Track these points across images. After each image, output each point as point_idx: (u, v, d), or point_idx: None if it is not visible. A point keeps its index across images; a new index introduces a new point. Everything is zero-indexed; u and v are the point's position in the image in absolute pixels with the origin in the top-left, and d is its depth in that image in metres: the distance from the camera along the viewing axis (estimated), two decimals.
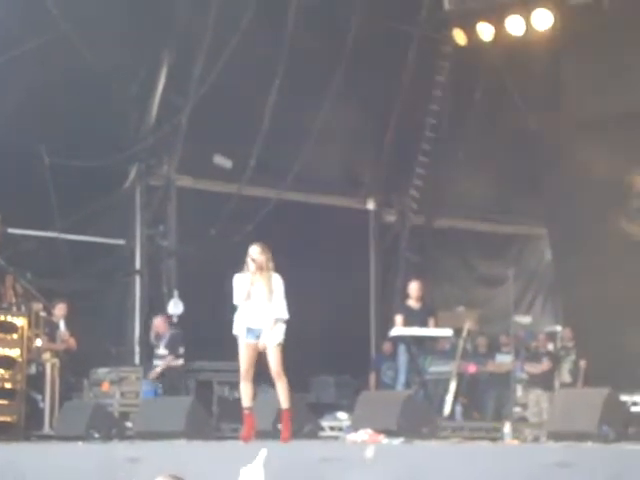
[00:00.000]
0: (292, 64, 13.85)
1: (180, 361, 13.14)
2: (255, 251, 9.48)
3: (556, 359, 14.52)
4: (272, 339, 9.35)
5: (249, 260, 9.40)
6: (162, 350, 13.15)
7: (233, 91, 13.81)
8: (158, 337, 13.25)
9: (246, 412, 9.59)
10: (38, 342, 12.38)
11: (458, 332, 13.73)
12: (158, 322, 13.29)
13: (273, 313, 9.36)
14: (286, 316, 9.48)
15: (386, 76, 15.57)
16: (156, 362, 13.08)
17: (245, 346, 9.42)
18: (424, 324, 12.99)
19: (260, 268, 9.36)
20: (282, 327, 9.45)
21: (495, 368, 14.28)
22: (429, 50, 15.81)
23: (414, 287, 13.27)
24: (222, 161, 14.64)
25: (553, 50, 15.13)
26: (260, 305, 9.36)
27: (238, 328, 9.48)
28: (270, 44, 13.81)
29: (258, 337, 9.36)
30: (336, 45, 14.33)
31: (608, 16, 14.43)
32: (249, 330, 9.40)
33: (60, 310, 12.81)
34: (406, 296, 13.49)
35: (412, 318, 13.04)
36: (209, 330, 13.77)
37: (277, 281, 9.45)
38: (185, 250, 14.34)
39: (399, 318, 13.11)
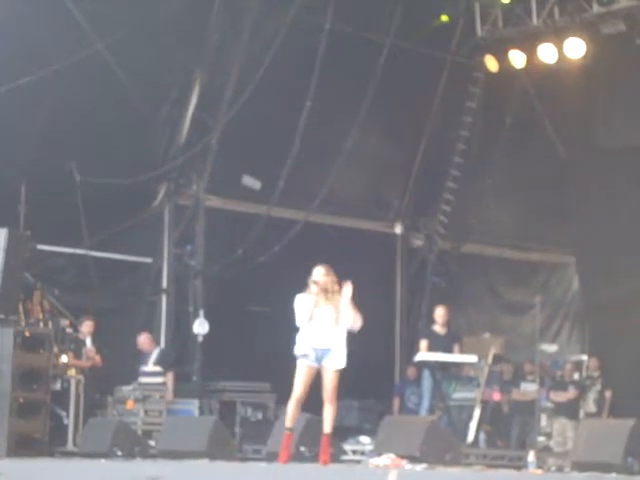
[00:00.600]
0: (323, 87, 13.89)
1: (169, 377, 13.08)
2: (319, 272, 9.41)
3: (582, 388, 14.44)
4: (335, 362, 9.25)
5: (311, 282, 9.32)
6: (150, 367, 13.11)
7: (264, 112, 13.86)
8: (142, 354, 13.21)
9: (287, 433, 9.44)
10: (64, 358, 12.42)
11: (483, 359, 13.67)
12: (142, 339, 13.25)
13: (337, 338, 9.24)
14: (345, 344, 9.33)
15: (417, 101, 15.59)
16: (142, 379, 13.03)
17: (306, 368, 9.28)
18: (449, 350, 12.96)
19: (324, 290, 9.28)
20: (345, 351, 9.34)
21: (520, 396, 14.22)
22: (461, 76, 15.80)
23: (440, 312, 13.25)
24: (251, 182, 14.68)
25: (585, 79, 15.10)
26: (325, 328, 9.24)
27: (301, 349, 9.33)
28: (302, 66, 13.86)
29: (319, 360, 9.26)
30: (367, 69, 14.35)
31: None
32: (313, 351, 9.23)
33: (87, 327, 12.85)
34: (432, 321, 13.46)
35: (437, 343, 13.01)
36: (233, 350, 13.79)
37: (342, 304, 9.28)
38: (212, 270, 14.37)
39: (424, 343, 13.09)
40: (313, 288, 9.31)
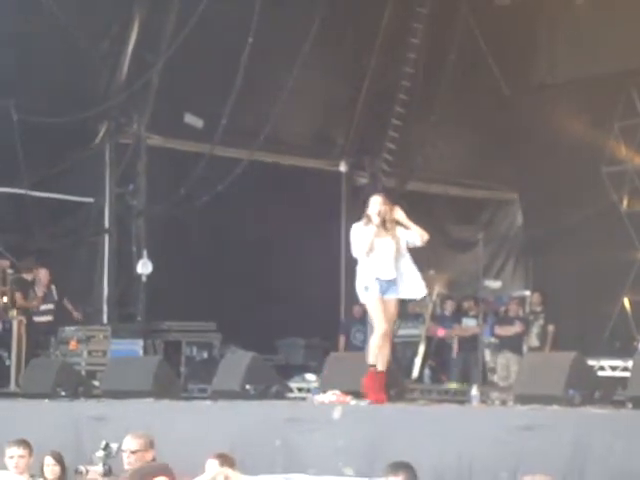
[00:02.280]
0: (265, 23, 13.69)
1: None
2: (377, 202, 8.96)
3: (526, 323, 14.59)
4: (399, 293, 8.92)
5: (372, 212, 8.89)
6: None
7: (205, 49, 13.67)
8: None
9: (371, 370, 9.13)
10: (4, 299, 12.29)
11: (427, 296, 13.73)
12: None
13: (402, 267, 8.88)
14: (417, 271, 8.99)
15: (360, 38, 15.46)
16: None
17: (377, 301, 8.90)
18: None
19: (383, 220, 8.88)
20: (417, 276, 9.00)
21: (461, 332, 14.31)
22: (404, 12, 15.68)
23: None
24: (193, 120, 14.52)
25: (528, 15, 15.08)
26: (388, 258, 8.87)
27: (364, 282, 8.93)
28: (243, 3, 13.65)
29: (384, 292, 8.88)
30: (310, 5, 14.18)
31: None
32: (380, 285, 8.86)
33: (44, 276, 12.72)
34: None
35: None
36: (178, 290, 13.73)
37: (401, 233, 8.93)
38: (155, 209, 14.24)
39: None
40: (374, 218, 8.86)
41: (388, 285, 8.94)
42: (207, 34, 13.48)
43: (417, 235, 8.98)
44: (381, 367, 9.08)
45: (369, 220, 8.92)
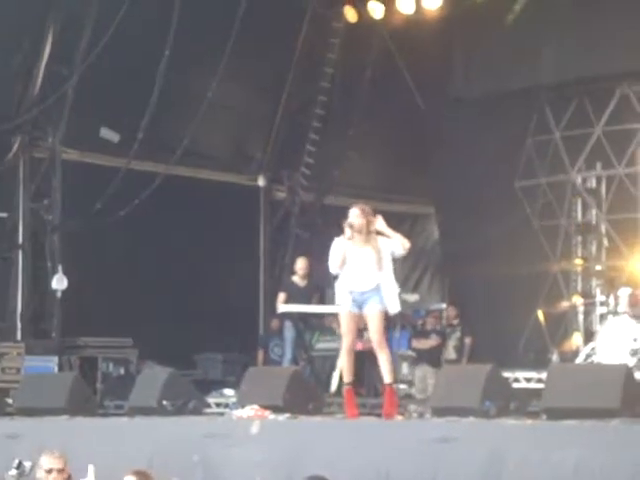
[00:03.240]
0: (182, 35, 13.64)
1: None
2: (353, 214, 8.89)
3: (443, 336, 14.71)
4: (375, 305, 8.81)
5: (345, 225, 8.82)
6: None
7: (121, 63, 13.55)
8: None
9: (346, 388, 9.13)
10: None
11: None
12: None
13: (379, 279, 8.77)
14: (395, 285, 8.90)
15: (278, 52, 15.49)
16: None
17: (347, 315, 8.86)
18: (309, 301, 13.03)
19: (359, 232, 8.82)
20: (395, 293, 8.89)
21: None
22: (321, 27, 15.75)
23: (300, 264, 13.35)
24: (109, 134, 14.39)
25: (443, 30, 15.24)
26: (365, 270, 8.77)
27: (340, 296, 8.90)
28: (160, 15, 13.58)
29: (360, 306, 8.82)
30: (226, 19, 14.16)
31: None
32: (353, 298, 8.78)
33: None
34: (293, 272, 13.51)
35: (297, 295, 13.08)
36: (94, 306, 13.58)
37: (383, 244, 8.84)
38: (70, 225, 14.07)
39: (282, 295, 13.14)
40: (347, 232, 8.81)
41: (365, 298, 8.86)
42: (123, 47, 13.37)
43: (398, 243, 8.90)
44: (386, 379, 9.07)
45: (344, 233, 8.88)
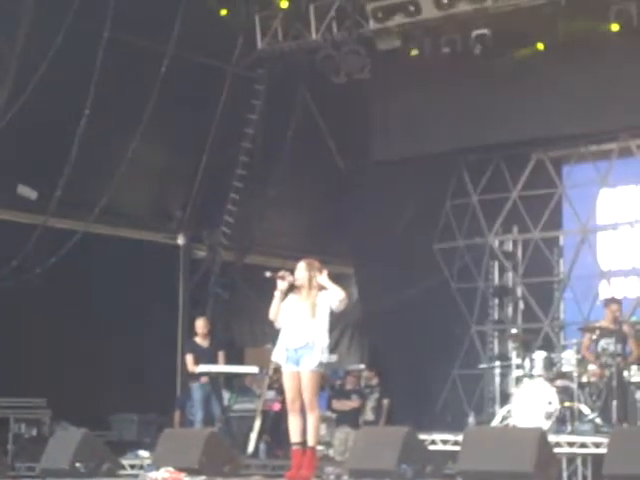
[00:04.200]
0: (103, 95, 13.62)
1: None
2: (298, 267, 8.84)
3: (363, 397, 14.71)
4: (308, 363, 8.70)
5: (277, 277, 8.76)
6: None
7: (40, 120, 13.46)
8: None
9: (294, 448, 8.90)
10: None
11: (265, 369, 13.73)
12: None
13: (314, 337, 8.66)
14: (326, 340, 8.74)
15: (199, 112, 15.53)
16: None
17: (287, 374, 8.75)
18: (214, 360, 12.98)
19: (301, 286, 8.73)
20: (321, 352, 8.72)
21: None
22: (243, 88, 15.86)
23: (199, 324, 13.32)
24: (26, 191, 14.23)
25: (363, 92, 15.44)
26: (300, 325, 8.67)
27: (276, 353, 8.81)
28: (81, 74, 13.55)
29: (297, 362, 8.69)
30: (147, 78, 14.18)
31: (415, 61, 14.88)
32: (287, 355, 8.69)
33: None
34: (194, 334, 13.45)
35: (202, 355, 13.03)
36: (6, 365, 13.33)
37: (322, 302, 8.73)
38: None
39: (189, 357, 13.07)
40: (279, 284, 8.76)
41: (299, 355, 8.75)
42: (43, 104, 13.30)
43: (332, 295, 8.75)
44: (309, 442, 8.86)
45: (278, 286, 8.83)
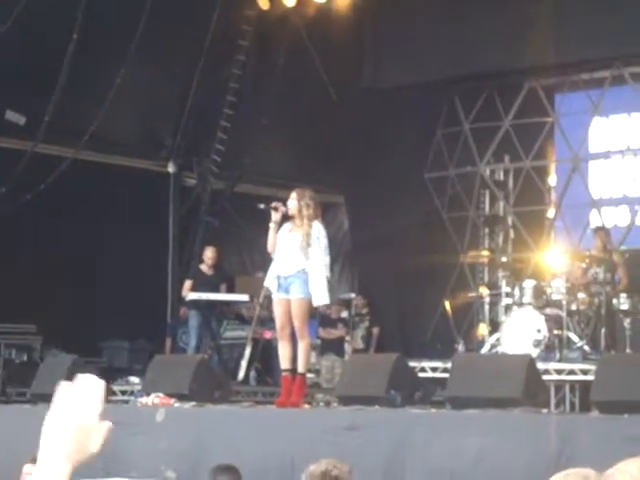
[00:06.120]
0: (92, 19, 13.44)
1: None
2: (290, 197, 8.82)
3: (350, 326, 14.77)
4: (298, 291, 8.66)
5: (271, 208, 8.74)
6: None
7: (27, 45, 13.30)
8: None
9: (283, 374, 8.98)
10: None
11: (255, 297, 13.75)
12: None
13: (308, 266, 8.60)
14: (326, 272, 8.70)
15: (189, 38, 15.35)
16: None
17: (276, 300, 8.78)
18: (216, 289, 13.00)
19: (293, 215, 8.72)
20: (322, 282, 8.67)
21: None
22: (233, 13, 15.66)
23: (208, 254, 13.31)
24: (15, 117, 14.11)
25: (354, 19, 15.27)
26: (290, 254, 8.65)
27: (268, 280, 8.82)
28: None
29: (287, 290, 8.68)
30: (136, 3, 13.99)
31: None
32: (279, 282, 8.67)
33: None
34: (200, 261, 13.45)
35: (204, 283, 13.05)
36: None
37: (317, 232, 8.70)
38: None
39: (187, 283, 13.09)
40: (273, 215, 8.75)
41: (289, 283, 8.73)
42: (30, 29, 13.13)
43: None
44: (299, 368, 8.92)
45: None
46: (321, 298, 8.80)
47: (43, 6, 13.10)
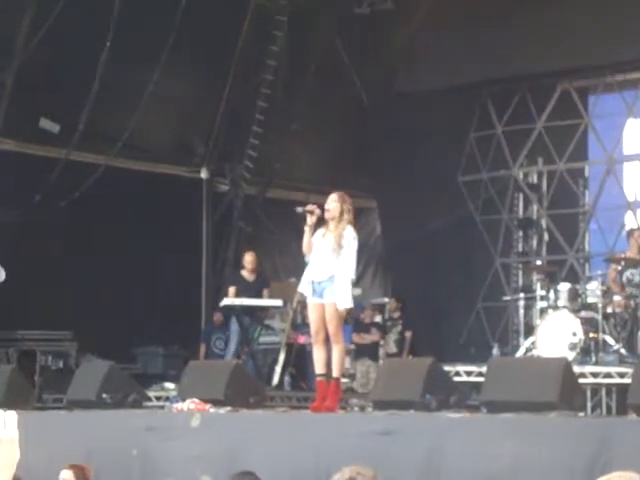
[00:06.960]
0: (124, 27, 13.52)
1: None
2: (330, 199, 8.77)
3: (383, 330, 14.75)
4: (332, 297, 8.64)
5: (305, 210, 8.73)
6: None
7: (61, 53, 13.40)
8: None
9: (318, 379, 8.94)
10: None
11: (288, 303, 13.76)
12: None
13: (337, 269, 8.60)
14: (352, 275, 8.70)
15: (221, 44, 15.40)
16: None
17: (310, 306, 8.77)
18: (258, 295, 13.00)
19: (332, 218, 8.68)
20: (347, 286, 8.66)
21: None
22: (264, 19, 15.69)
23: (248, 259, 13.31)
24: (49, 125, 14.21)
25: (388, 24, 15.25)
26: (324, 258, 8.63)
27: (302, 285, 8.82)
28: (101, 6, 13.44)
29: (321, 295, 8.65)
30: (168, 10, 14.05)
31: None
32: (313, 288, 8.66)
33: None
34: (240, 267, 13.45)
35: (245, 289, 13.05)
36: (33, 299, 13.42)
37: (349, 235, 8.68)
38: (8, 216, 13.86)
39: (232, 289, 13.08)
40: (308, 219, 8.72)
41: (322, 287, 8.71)
42: (64, 36, 13.23)
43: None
44: (336, 373, 8.89)
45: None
46: (345, 302, 8.80)
47: (76, 15, 13.19)
